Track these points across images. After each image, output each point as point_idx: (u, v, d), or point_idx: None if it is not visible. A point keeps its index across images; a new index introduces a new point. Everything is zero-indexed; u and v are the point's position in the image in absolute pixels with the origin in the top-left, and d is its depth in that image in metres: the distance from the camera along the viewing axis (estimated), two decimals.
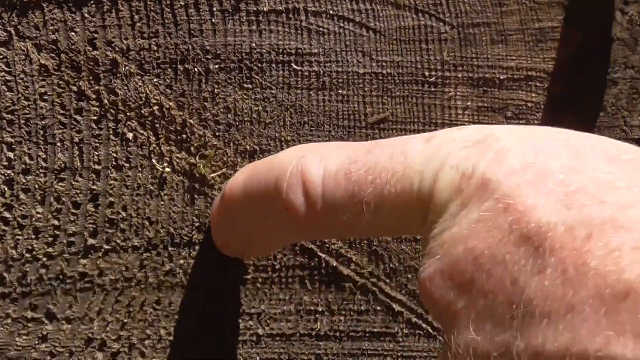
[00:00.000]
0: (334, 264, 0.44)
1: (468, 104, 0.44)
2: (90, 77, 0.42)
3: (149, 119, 0.43)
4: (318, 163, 0.36)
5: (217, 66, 0.43)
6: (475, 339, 0.31)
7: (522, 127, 0.34)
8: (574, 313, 0.29)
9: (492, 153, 0.32)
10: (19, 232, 0.42)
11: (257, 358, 0.44)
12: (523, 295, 0.29)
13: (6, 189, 0.42)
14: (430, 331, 0.44)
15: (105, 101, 0.42)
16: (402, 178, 0.34)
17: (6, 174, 0.42)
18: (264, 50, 0.43)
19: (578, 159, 0.32)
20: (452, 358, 0.31)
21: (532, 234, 0.30)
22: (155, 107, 0.43)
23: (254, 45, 0.43)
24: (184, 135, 0.43)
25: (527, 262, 0.30)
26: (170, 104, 0.43)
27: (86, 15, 0.42)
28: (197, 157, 0.43)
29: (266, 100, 0.43)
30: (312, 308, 0.44)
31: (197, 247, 0.43)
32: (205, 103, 0.43)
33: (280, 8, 0.43)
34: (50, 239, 0.42)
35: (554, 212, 0.30)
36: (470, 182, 0.32)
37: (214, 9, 0.43)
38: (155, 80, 0.42)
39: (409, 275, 0.45)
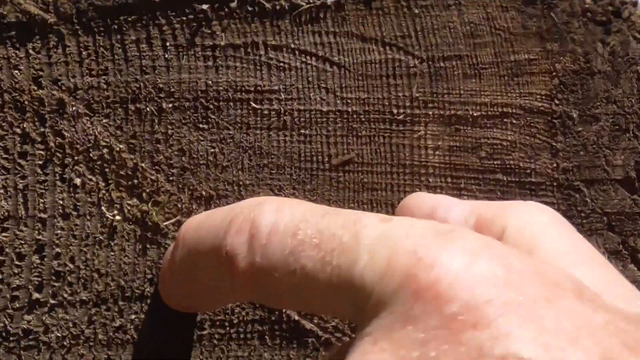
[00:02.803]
0: (296, 317, 0.42)
1: (439, 143, 0.43)
2: (35, 119, 0.41)
3: (98, 163, 0.41)
4: (271, 213, 0.35)
5: (170, 105, 0.41)
6: None
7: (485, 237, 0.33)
8: None
9: (457, 249, 0.31)
10: None
11: None
12: None
13: None
14: None
15: (52, 144, 0.41)
16: (349, 251, 0.33)
17: None
18: (221, 88, 0.42)
19: (553, 290, 0.31)
20: None
21: None
22: (105, 150, 0.41)
23: (210, 82, 0.41)
24: (136, 181, 0.41)
25: None
26: (121, 146, 0.41)
27: (31, 51, 0.41)
28: (149, 204, 0.41)
29: (223, 141, 0.42)
30: None
31: (148, 301, 0.41)
32: (158, 145, 0.41)
33: (238, 42, 0.42)
34: None
35: (535, 351, 0.29)
36: (428, 273, 0.31)
37: (168, 44, 0.41)
38: (104, 121, 0.41)
39: None
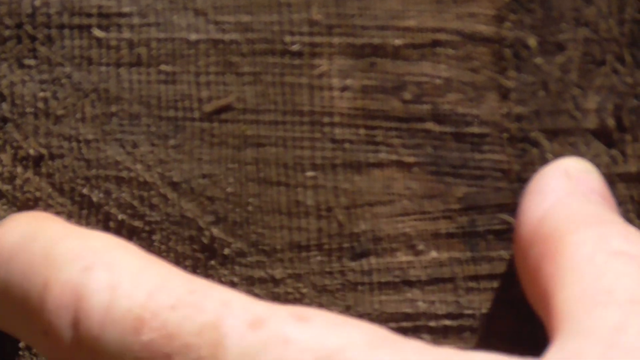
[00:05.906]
0: None
1: (348, 82, 0.37)
2: None
3: None
4: (104, 290, 0.31)
5: None
6: None
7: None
8: None
9: None
10: None
11: None
12: None
13: None
14: None
15: None
16: None
17: None
18: (53, 10, 0.36)
19: None
20: None
21: None
22: None
23: (37, 3, 0.36)
24: None
25: None
26: None
27: None
28: None
29: (57, 82, 0.36)
30: None
31: None
32: None
33: None
34: None
35: None
36: None
37: None
38: None
39: None
